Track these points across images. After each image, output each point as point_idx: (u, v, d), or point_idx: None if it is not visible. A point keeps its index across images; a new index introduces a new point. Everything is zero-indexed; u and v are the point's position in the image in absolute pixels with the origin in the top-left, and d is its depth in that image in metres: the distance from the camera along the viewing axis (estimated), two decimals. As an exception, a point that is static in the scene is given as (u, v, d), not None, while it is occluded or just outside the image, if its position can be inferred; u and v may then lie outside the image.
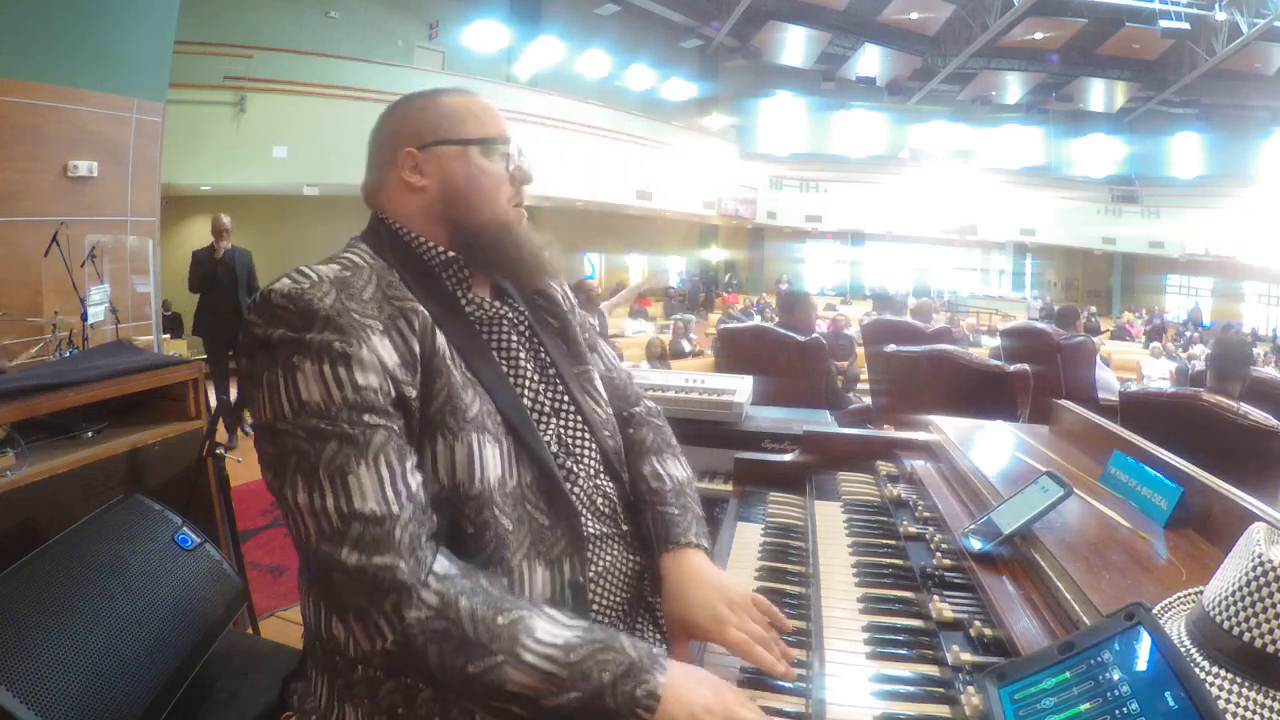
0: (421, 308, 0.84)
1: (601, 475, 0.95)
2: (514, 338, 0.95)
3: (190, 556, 1.37)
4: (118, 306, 4.50)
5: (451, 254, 0.92)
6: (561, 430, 0.94)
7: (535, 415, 0.92)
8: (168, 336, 6.89)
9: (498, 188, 0.94)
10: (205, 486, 1.87)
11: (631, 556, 0.95)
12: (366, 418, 0.76)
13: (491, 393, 0.86)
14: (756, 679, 0.85)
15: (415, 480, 0.77)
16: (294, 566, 3.07)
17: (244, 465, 3.71)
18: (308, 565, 0.77)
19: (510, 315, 0.96)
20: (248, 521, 3.44)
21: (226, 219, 5.11)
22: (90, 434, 1.70)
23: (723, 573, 0.95)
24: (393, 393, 0.78)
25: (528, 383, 0.93)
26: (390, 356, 0.79)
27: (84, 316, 4.05)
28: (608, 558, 0.92)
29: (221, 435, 1.88)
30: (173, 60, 5.39)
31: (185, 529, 1.39)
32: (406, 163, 0.91)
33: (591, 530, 0.91)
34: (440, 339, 0.84)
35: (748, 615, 0.86)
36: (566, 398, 0.96)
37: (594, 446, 0.96)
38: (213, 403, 1.89)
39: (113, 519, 1.33)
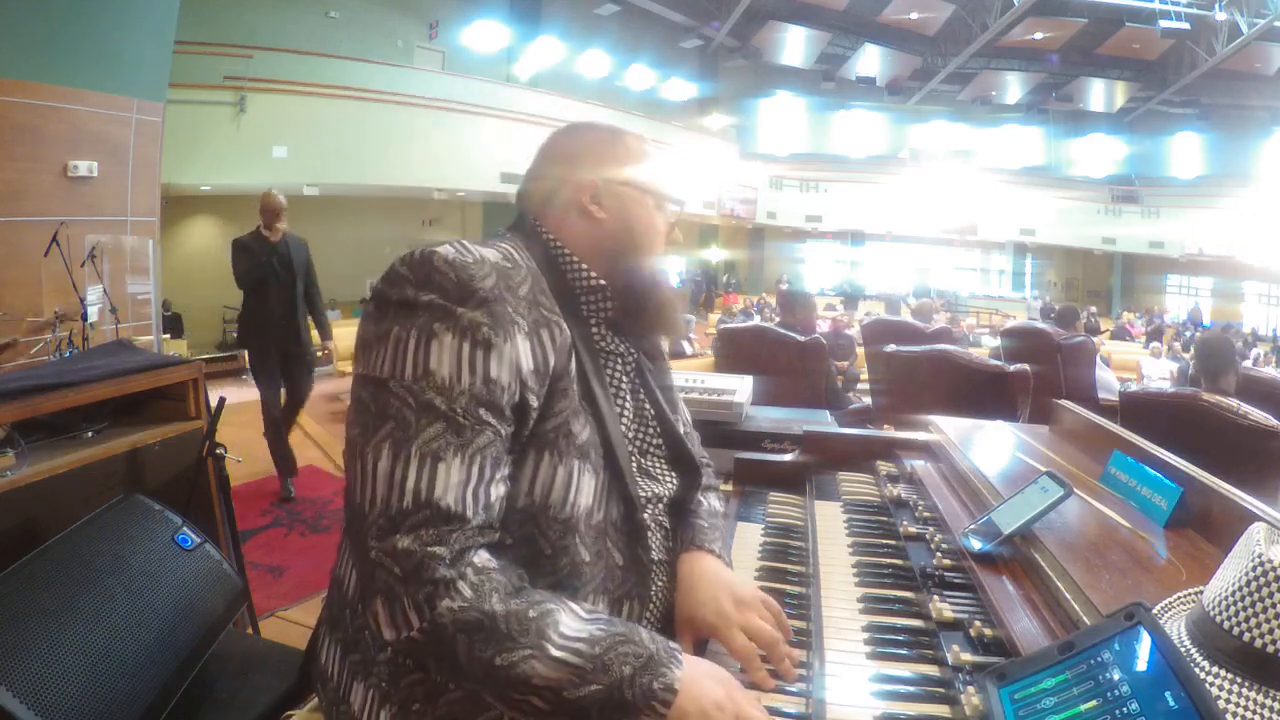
0: (565, 325, 0.84)
1: (664, 512, 0.97)
2: (623, 376, 0.96)
3: (190, 556, 1.37)
4: (118, 306, 4.50)
5: (601, 281, 0.92)
6: (648, 465, 0.97)
7: (630, 450, 0.94)
8: (168, 336, 6.90)
9: (659, 241, 0.98)
10: (205, 486, 1.87)
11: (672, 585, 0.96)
12: (482, 413, 0.74)
13: (602, 425, 0.86)
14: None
15: (497, 492, 0.75)
16: (294, 567, 3.07)
17: (244, 465, 3.71)
18: (355, 530, 0.73)
19: (624, 353, 0.97)
20: (248, 521, 3.44)
21: (281, 197, 3.92)
22: (90, 434, 1.70)
23: (735, 574, 0.96)
24: (517, 397, 0.77)
25: (626, 419, 0.95)
26: (527, 361, 0.77)
27: (84, 316, 4.06)
28: (659, 581, 0.93)
29: (223, 436, 1.88)
30: (173, 60, 5.39)
31: (185, 529, 1.39)
32: (589, 190, 0.93)
33: (655, 559, 0.92)
34: (573, 362, 0.84)
35: (754, 613, 0.87)
36: (658, 440, 0.99)
37: (674, 484, 0.99)
38: (213, 403, 1.88)
39: (113, 519, 1.33)
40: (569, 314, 0.87)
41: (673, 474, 0.99)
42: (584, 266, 0.92)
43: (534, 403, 0.78)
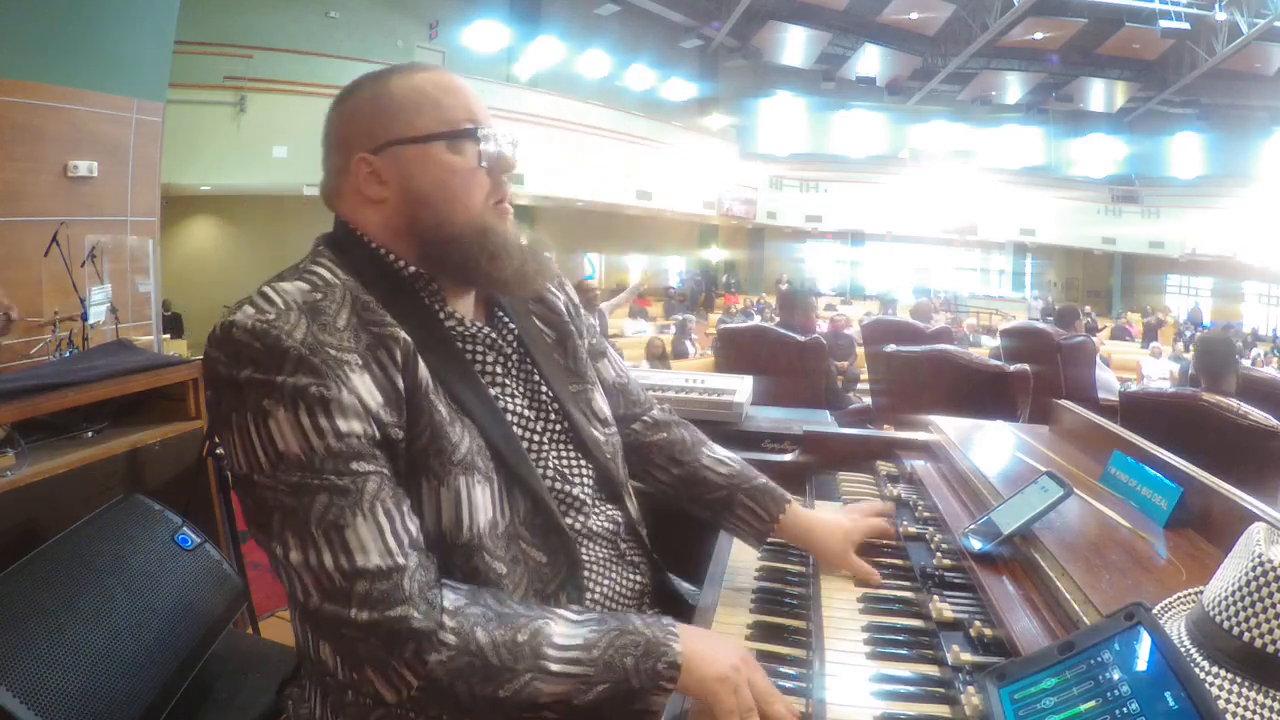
0: (402, 333, 0.75)
1: (600, 500, 0.92)
2: (500, 362, 0.87)
3: (190, 556, 1.36)
4: (118, 306, 4.50)
5: (415, 269, 0.82)
6: (557, 460, 0.89)
7: (527, 444, 0.86)
8: (168, 336, 6.89)
9: (471, 185, 0.81)
10: (205, 486, 1.87)
11: (631, 576, 0.95)
12: (354, 465, 0.69)
13: (479, 424, 0.79)
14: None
15: (414, 524, 0.72)
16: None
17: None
18: (308, 619, 0.73)
19: (493, 336, 0.87)
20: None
21: None
22: (90, 434, 1.70)
23: (839, 517, 1.07)
24: (377, 435, 0.71)
25: (518, 410, 0.87)
26: (372, 396, 0.71)
27: (84, 316, 4.05)
28: (606, 582, 0.91)
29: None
30: (173, 60, 5.39)
31: (185, 529, 1.39)
32: (362, 170, 0.80)
33: (588, 556, 0.89)
34: (423, 369, 0.76)
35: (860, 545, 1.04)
36: (562, 424, 0.91)
37: (590, 471, 0.92)
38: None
39: (113, 519, 1.33)
40: (408, 312, 0.79)
41: (583, 462, 0.91)
42: (396, 258, 0.81)
43: (397, 434, 0.73)
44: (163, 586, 1.27)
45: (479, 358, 0.86)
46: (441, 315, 0.84)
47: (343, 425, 0.69)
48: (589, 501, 0.90)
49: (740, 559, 1.13)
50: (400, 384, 0.74)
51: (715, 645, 0.76)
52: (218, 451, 1.85)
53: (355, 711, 0.78)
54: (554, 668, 0.70)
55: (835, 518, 1.06)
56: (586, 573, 0.88)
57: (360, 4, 12.15)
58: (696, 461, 1.07)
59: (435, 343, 0.80)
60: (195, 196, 9.82)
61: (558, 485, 0.88)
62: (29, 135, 4.53)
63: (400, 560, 0.69)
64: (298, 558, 0.68)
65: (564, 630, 0.73)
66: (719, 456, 1.09)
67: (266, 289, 0.74)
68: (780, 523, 1.03)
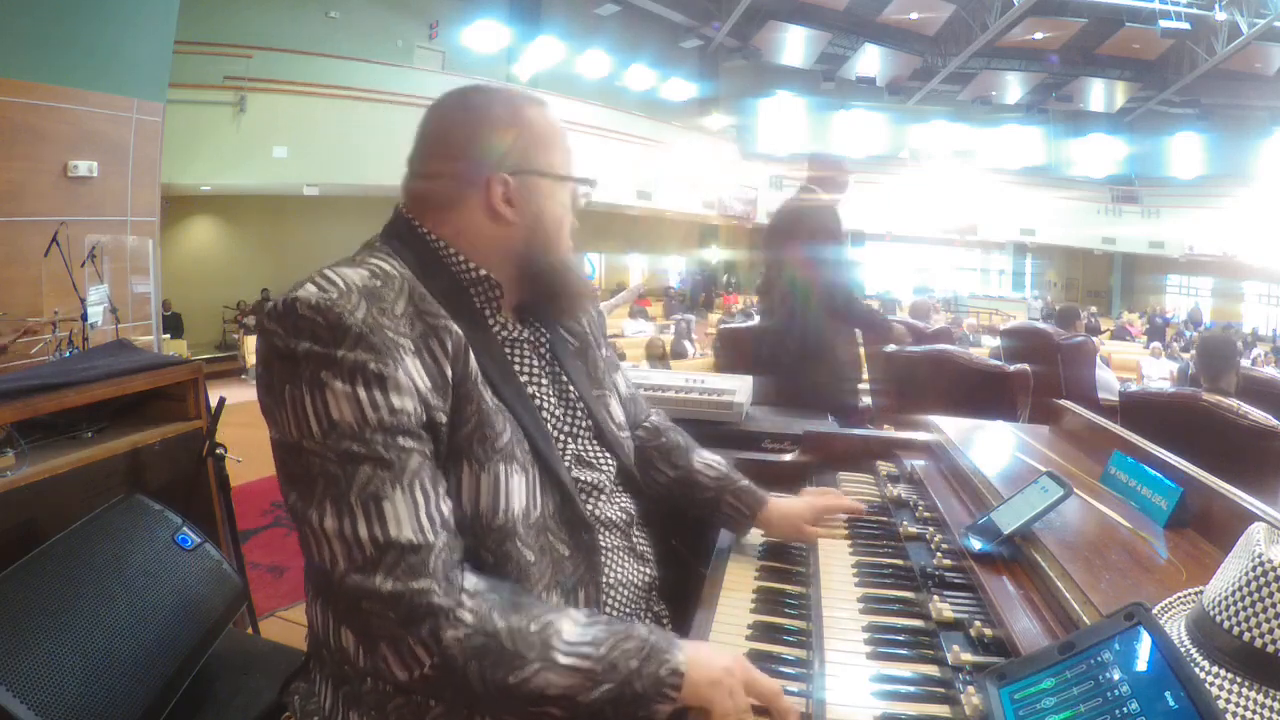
0: (455, 327, 0.80)
1: (619, 492, 0.99)
2: (535, 361, 0.93)
3: (190, 556, 1.36)
4: (118, 306, 4.50)
5: (484, 273, 0.87)
6: (581, 450, 0.96)
7: (556, 435, 0.93)
8: (168, 336, 6.90)
9: (568, 226, 0.92)
10: (205, 486, 1.87)
11: (641, 569, 0.99)
12: (401, 440, 0.72)
13: (519, 419, 0.84)
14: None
15: (447, 506, 0.75)
16: (295, 567, 3.07)
17: (244, 465, 3.71)
18: (330, 590, 0.73)
19: (531, 338, 0.94)
20: (248, 521, 3.44)
21: None
22: (90, 434, 1.69)
23: (796, 500, 1.18)
24: (424, 416, 0.75)
25: (549, 407, 0.93)
26: (422, 379, 0.75)
27: (84, 316, 4.06)
28: (619, 569, 0.95)
29: (223, 436, 1.88)
30: (173, 60, 5.39)
31: (185, 529, 1.39)
32: (497, 189, 0.85)
33: (605, 543, 0.94)
34: (473, 362, 0.80)
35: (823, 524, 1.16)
36: (587, 421, 0.97)
37: (612, 463, 0.99)
38: (213, 403, 1.88)
39: (113, 519, 1.33)
40: (461, 311, 0.83)
41: (607, 454, 0.98)
42: (470, 263, 0.86)
43: (441, 418, 0.77)
44: (163, 586, 1.27)
45: (518, 357, 0.91)
46: (489, 317, 0.89)
47: (395, 401, 0.72)
48: (608, 489, 0.97)
49: (741, 557, 1.13)
50: (449, 372, 0.78)
51: (708, 653, 0.78)
52: (218, 451, 1.85)
53: (374, 700, 0.80)
54: (562, 660, 0.72)
55: (795, 500, 1.19)
56: (602, 558, 0.92)
57: (360, 4, 12.15)
58: (689, 465, 1.16)
59: (483, 340, 0.85)
60: (195, 196, 9.82)
61: (579, 472, 0.94)
62: (29, 135, 4.53)
63: (430, 538, 0.72)
64: (332, 525, 0.70)
65: (573, 627, 0.74)
66: (708, 460, 1.18)
67: (328, 272, 0.77)
68: (758, 517, 1.14)
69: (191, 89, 8.20)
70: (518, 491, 0.81)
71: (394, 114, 10.36)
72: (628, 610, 0.95)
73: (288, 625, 2.50)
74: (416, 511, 0.72)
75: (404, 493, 0.71)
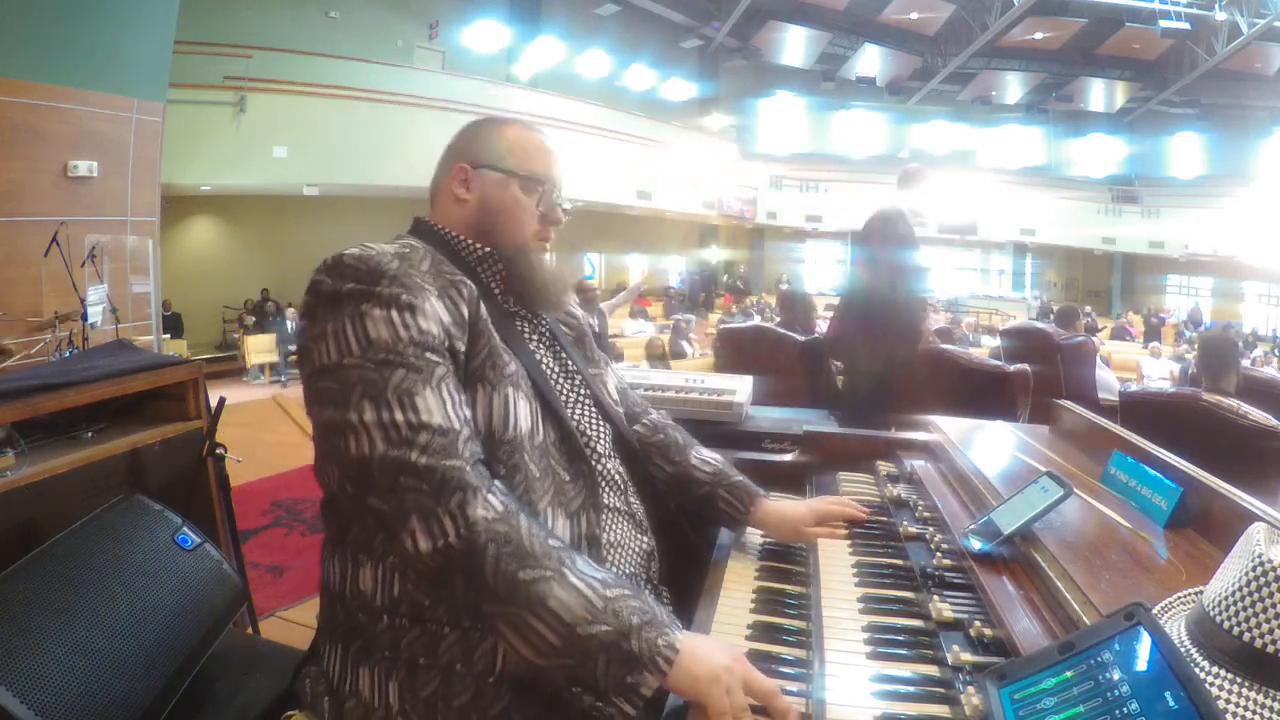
0: (469, 282, 0.94)
1: (615, 457, 1.05)
2: (535, 337, 1.06)
3: (190, 556, 1.36)
4: (118, 306, 4.50)
5: (488, 249, 1.02)
6: (580, 414, 1.05)
7: (560, 394, 1.03)
8: (168, 336, 6.90)
9: (526, 220, 1.05)
10: (205, 486, 1.87)
11: (641, 536, 1.03)
12: (429, 355, 0.84)
13: (523, 362, 0.96)
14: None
15: (468, 412, 0.86)
16: (295, 567, 3.07)
17: (244, 465, 3.71)
18: (368, 476, 0.79)
19: (532, 319, 1.07)
20: (248, 521, 3.44)
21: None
22: (90, 434, 1.69)
23: (798, 504, 1.20)
24: (447, 344, 0.87)
25: (551, 373, 1.04)
26: (444, 315, 0.89)
27: (84, 316, 4.06)
28: (618, 531, 0.99)
29: (223, 436, 1.88)
30: (173, 60, 5.39)
31: (185, 529, 1.39)
32: (458, 176, 1.04)
33: (605, 501, 0.99)
34: (483, 310, 0.93)
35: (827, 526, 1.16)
36: (585, 390, 1.07)
37: (608, 430, 1.07)
38: (213, 403, 1.89)
39: (113, 519, 1.33)
40: (474, 280, 0.97)
41: (605, 423, 1.08)
42: (468, 241, 1.03)
43: (460, 347, 0.89)
44: (163, 586, 1.27)
45: (520, 324, 1.05)
46: (496, 291, 1.03)
47: (424, 324, 0.86)
48: (605, 452, 1.04)
49: (741, 557, 1.14)
50: (466, 314, 0.92)
51: (709, 646, 0.78)
52: (218, 451, 1.85)
53: (388, 639, 0.83)
54: (572, 579, 0.76)
55: (797, 503, 1.21)
56: (605, 515, 0.97)
57: (360, 4, 12.15)
58: (686, 461, 1.20)
59: (492, 306, 0.98)
60: (195, 196, 9.82)
61: (581, 429, 1.02)
62: (29, 135, 4.53)
63: (458, 426, 0.82)
64: (371, 416, 0.80)
65: (587, 564, 0.79)
66: (704, 457, 1.21)
67: (364, 244, 0.91)
68: (752, 514, 1.16)
69: (191, 89, 8.20)
70: (524, 414, 0.92)
71: (394, 114, 10.37)
72: (629, 575, 0.97)
73: (288, 625, 2.50)
74: (445, 406, 0.82)
75: (434, 391, 0.82)
